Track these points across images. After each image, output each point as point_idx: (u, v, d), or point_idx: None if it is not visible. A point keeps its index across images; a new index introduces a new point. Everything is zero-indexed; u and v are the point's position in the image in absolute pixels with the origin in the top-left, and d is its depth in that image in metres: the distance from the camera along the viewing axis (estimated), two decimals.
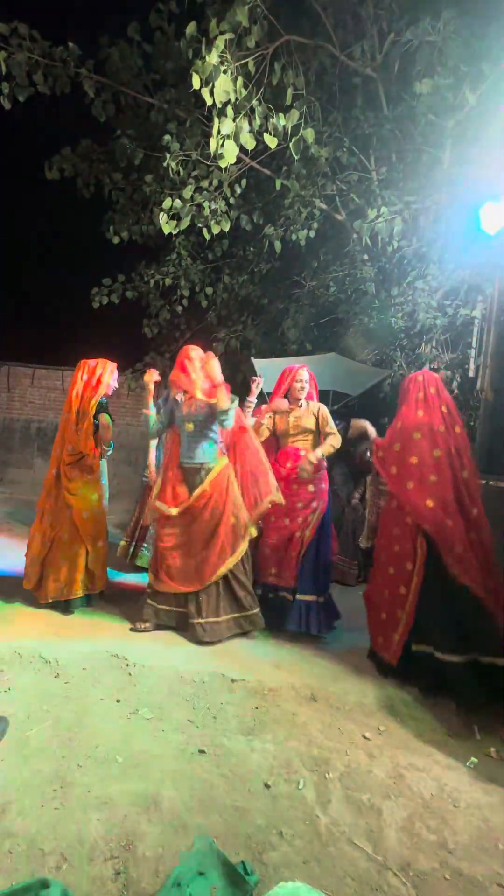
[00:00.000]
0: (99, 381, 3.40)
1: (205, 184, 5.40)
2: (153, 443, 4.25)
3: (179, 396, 3.22)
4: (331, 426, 3.36)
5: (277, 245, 5.90)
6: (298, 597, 3.22)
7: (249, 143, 4.56)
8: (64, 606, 3.31)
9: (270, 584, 3.32)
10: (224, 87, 4.23)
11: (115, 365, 3.48)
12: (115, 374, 3.48)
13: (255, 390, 3.75)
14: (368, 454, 3.91)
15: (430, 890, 1.50)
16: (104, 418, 3.39)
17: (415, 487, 2.65)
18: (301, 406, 3.40)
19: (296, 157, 5.01)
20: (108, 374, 3.43)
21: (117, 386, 3.54)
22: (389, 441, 2.83)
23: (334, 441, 3.31)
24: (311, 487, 3.31)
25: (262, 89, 4.71)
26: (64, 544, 3.30)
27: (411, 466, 2.69)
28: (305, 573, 3.24)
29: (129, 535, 4.42)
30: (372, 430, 3.08)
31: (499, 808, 1.85)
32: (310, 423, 3.37)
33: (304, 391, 3.39)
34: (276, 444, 3.52)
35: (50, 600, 3.28)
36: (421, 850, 1.64)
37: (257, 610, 3.14)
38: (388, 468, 2.78)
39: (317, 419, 3.38)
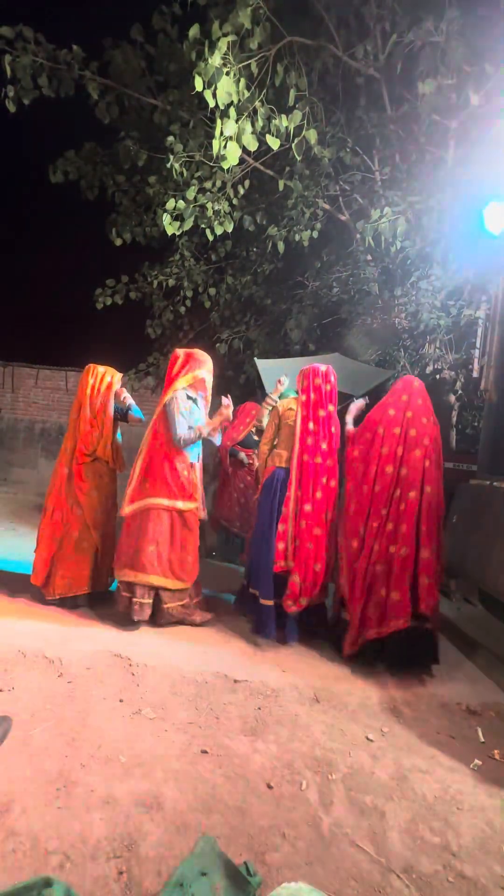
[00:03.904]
0: (109, 387, 3.51)
1: (208, 185, 5.40)
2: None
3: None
4: None
5: (280, 246, 5.89)
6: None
7: (252, 145, 4.56)
8: (71, 603, 3.34)
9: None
10: (227, 89, 4.23)
11: (121, 375, 3.61)
12: (120, 383, 3.60)
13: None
14: None
15: (433, 892, 1.49)
16: (119, 438, 3.55)
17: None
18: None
19: (298, 158, 5.01)
20: (116, 384, 3.55)
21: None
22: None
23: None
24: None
25: (264, 90, 4.70)
26: (73, 541, 3.35)
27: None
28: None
29: None
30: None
31: (503, 811, 1.84)
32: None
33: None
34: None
35: (57, 597, 3.32)
36: (424, 852, 1.63)
37: None
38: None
39: None
